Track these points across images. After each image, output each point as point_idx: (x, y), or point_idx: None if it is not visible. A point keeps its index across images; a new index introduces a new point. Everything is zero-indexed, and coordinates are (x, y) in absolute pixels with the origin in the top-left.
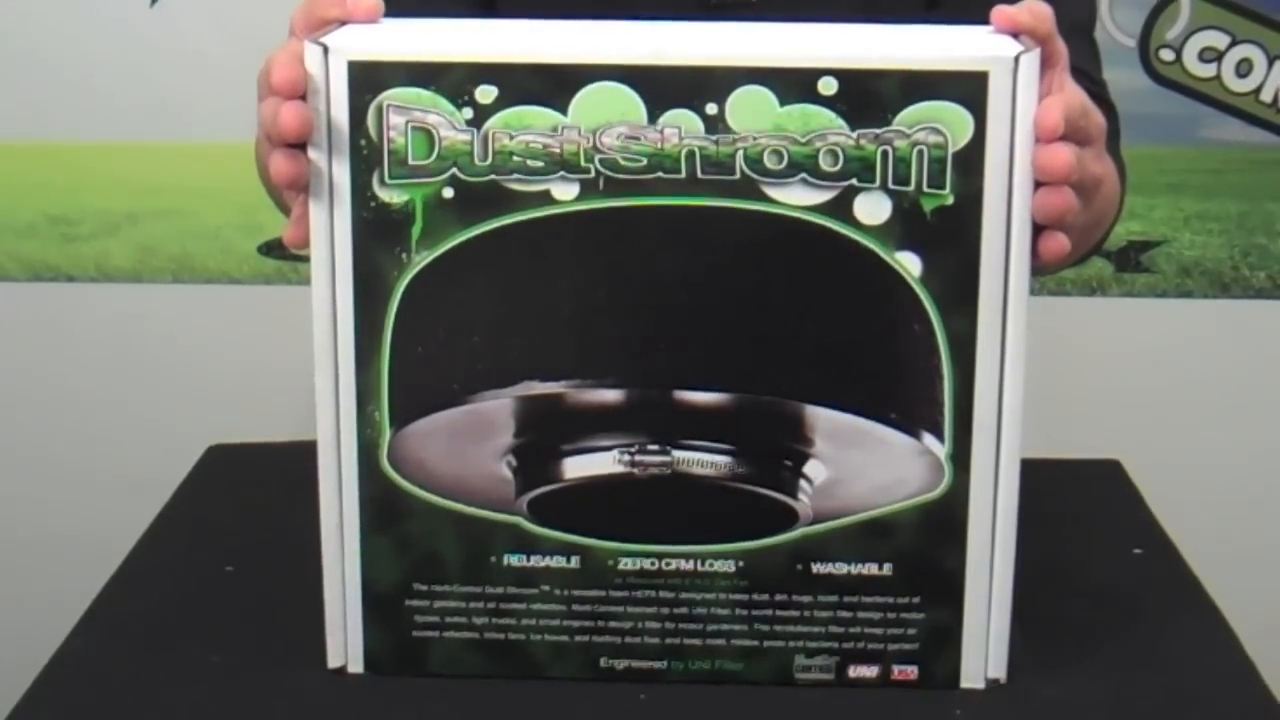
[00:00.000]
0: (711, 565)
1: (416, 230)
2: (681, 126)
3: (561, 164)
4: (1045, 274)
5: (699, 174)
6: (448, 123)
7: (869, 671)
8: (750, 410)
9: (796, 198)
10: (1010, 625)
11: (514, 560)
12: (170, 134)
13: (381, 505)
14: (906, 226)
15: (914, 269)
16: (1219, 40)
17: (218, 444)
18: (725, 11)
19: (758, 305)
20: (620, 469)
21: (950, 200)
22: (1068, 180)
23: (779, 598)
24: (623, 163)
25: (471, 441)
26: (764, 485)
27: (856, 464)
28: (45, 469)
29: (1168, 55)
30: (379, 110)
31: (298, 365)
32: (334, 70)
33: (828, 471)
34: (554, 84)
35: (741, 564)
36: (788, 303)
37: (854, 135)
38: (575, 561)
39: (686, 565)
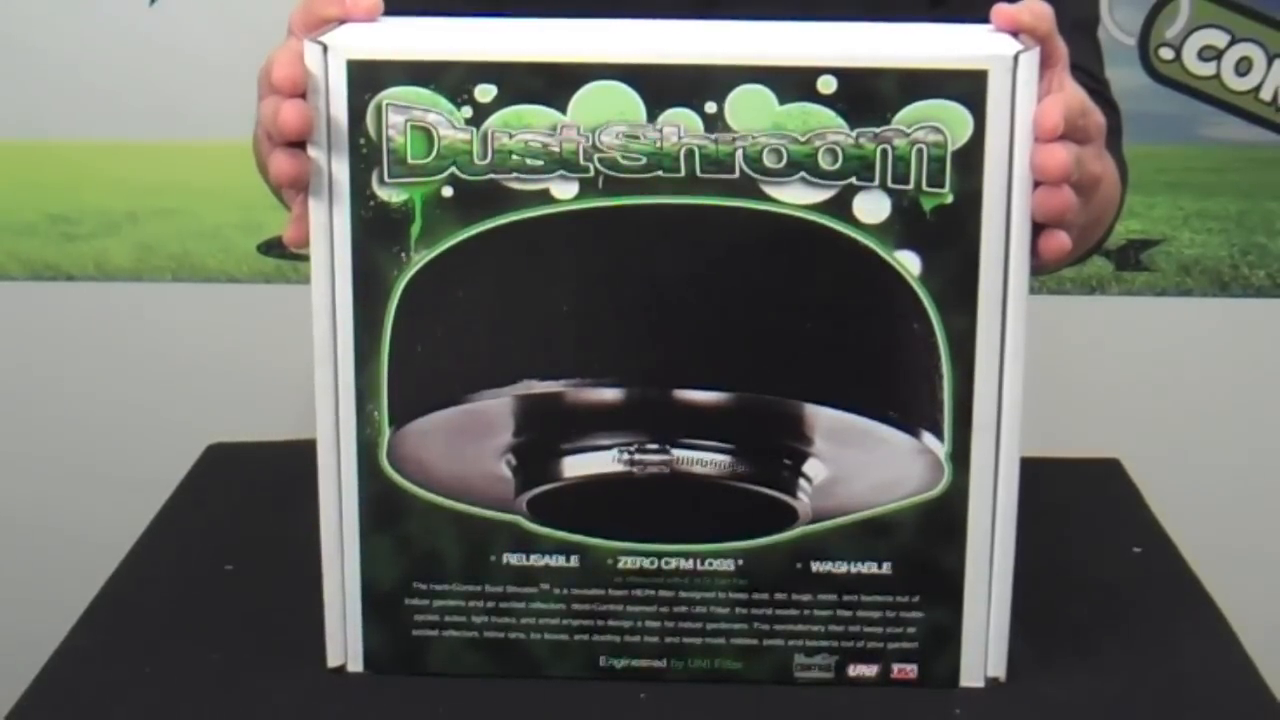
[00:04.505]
0: (711, 564)
1: (416, 229)
2: (681, 125)
3: (561, 163)
4: (1046, 273)
5: (698, 173)
6: (447, 122)
7: (868, 670)
8: (749, 409)
9: (796, 196)
10: (1010, 624)
11: (513, 559)
12: (170, 133)
13: (381, 504)
14: (906, 225)
15: (913, 268)
16: (1218, 39)
17: (217, 443)
18: (726, 10)
19: (757, 304)
20: (619, 468)
21: (950, 199)
22: (1066, 180)
23: (778, 596)
24: (622, 161)
25: (471, 440)
26: (763, 484)
27: (856, 463)
28: (45, 468)
29: (1167, 54)
30: (378, 109)
31: (297, 364)
32: (333, 69)
33: (827, 470)
34: (553, 83)
35: (741, 563)
36: (787, 301)
37: (853, 134)
38: (575, 560)
39: (686, 564)
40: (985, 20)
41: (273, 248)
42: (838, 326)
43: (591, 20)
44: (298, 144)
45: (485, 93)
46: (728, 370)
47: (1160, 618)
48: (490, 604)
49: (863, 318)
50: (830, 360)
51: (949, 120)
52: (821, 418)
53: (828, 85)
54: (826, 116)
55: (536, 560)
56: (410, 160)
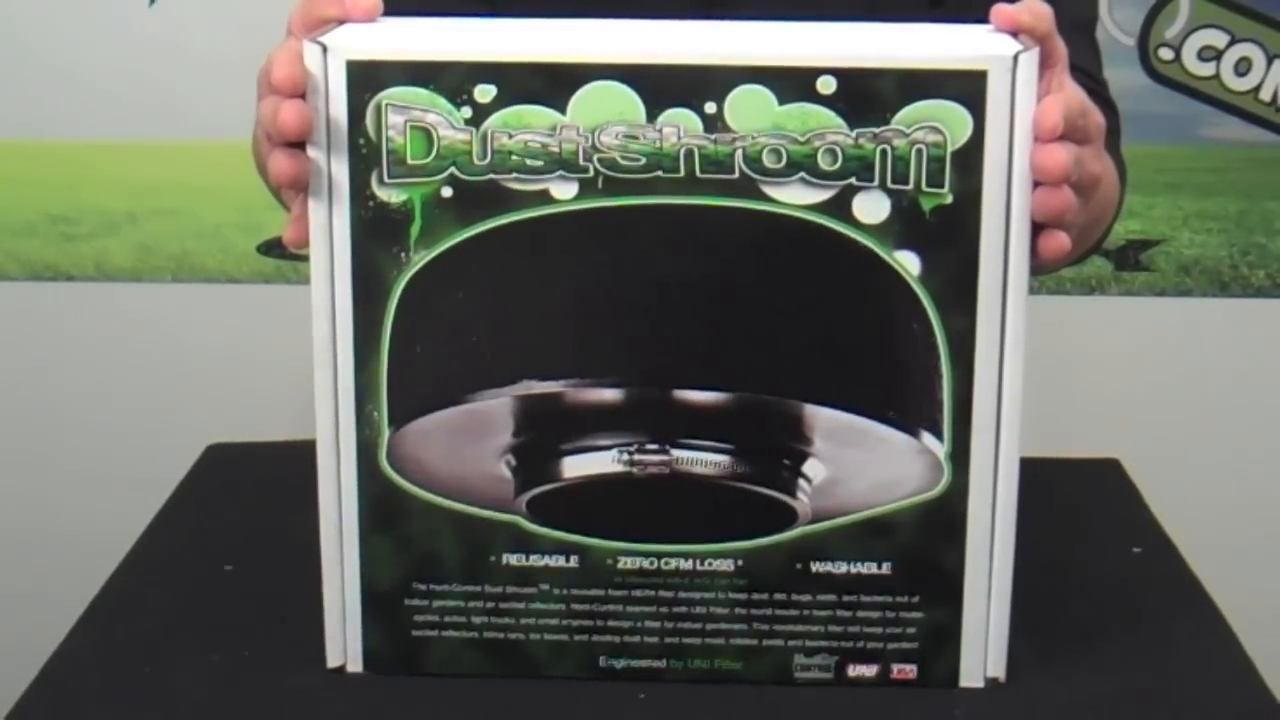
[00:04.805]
0: (711, 564)
1: (415, 229)
2: (680, 125)
3: (560, 163)
4: (1045, 273)
5: (698, 173)
6: (446, 122)
7: (868, 670)
8: (749, 409)
9: (795, 197)
10: (1009, 624)
11: (513, 559)
12: (170, 133)
13: (380, 505)
14: (905, 225)
15: (913, 268)
16: (1218, 39)
17: (217, 443)
18: (726, 10)
19: (756, 304)
20: (619, 468)
21: (949, 199)
22: (1065, 180)
23: (778, 597)
24: (621, 162)
25: (470, 441)
26: (763, 484)
27: (855, 463)
28: (45, 469)
29: (1167, 54)
30: (378, 109)
31: (297, 365)
32: (333, 70)
33: (827, 470)
34: (553, 83)
35: (740, 563)
36: (787, 302)
37: (853, 134)
38: (574, 561)
39: (686, 564)
40: (984, 20)
41: (272, 248)
42: (837, 326)
43: (591, 20)
44: (297, 144)
45: (485, 93)
46: (727, 370)
47: (1160, 618)
48: (490, 604)
49: (862, 318)
50: (830, 360)
51: (948, 120)
52: (821, 418)
53: (827, 85)
54: (826, 117)
55: (536, 560)
56: (410, 160)
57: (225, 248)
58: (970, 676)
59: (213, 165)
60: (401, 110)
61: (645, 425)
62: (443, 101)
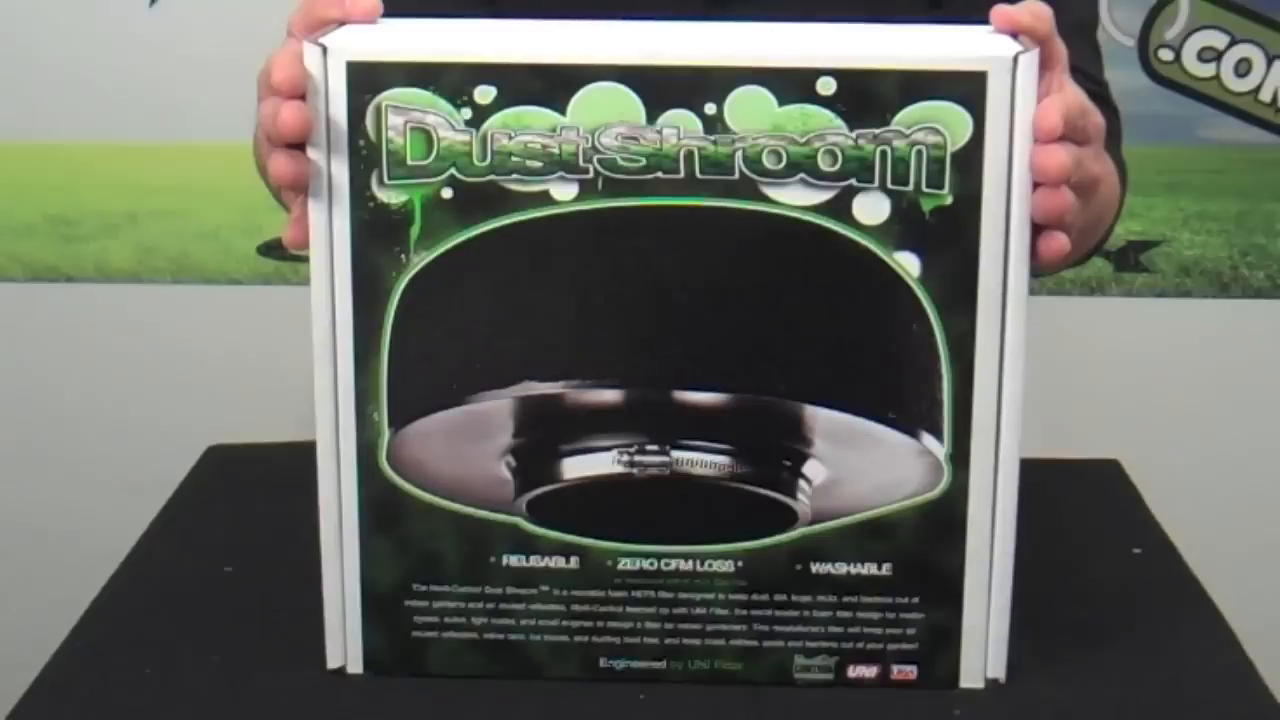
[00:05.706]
0: (711, 565)
1: (415, 230)
2: (680, 126)
3: (560, 164)
4: (1045, 274)
5: (698, 174)
6: (446, 123)
7: (868, 671)
8: (749, 410)
9: (795, 198)
10: (1009, 625)
11: (513, 560)
12: (170, 134)
13: (381, 506)
14: (905, 226)
15: (913, 269)
16: (1218, 40)
17: (217, 444)
18: (727, 10)
19: (756, 305)
20: (619, 469)
21: (949, 200)
22: (1064, 181)
23: (778, 598)
24: (621, 163)
25: (470, 442)
26: (763, 485)
27: (855, 464)
28: (45, 469)
29: (1167, 55)
30: (378, 111)
31: (297, 365)
32: (333, 71)
33: (827, 471)
34: (553, 84)
35: (741, 564)
36: (786, 303)
37: (853, 135)
38: (574, 562)
39: (686, 565)
40: (984, 21)
41: (272, 249)
42: (837, 327)
43: (591, 21)
44: (297, 145)
45: (485, 94)
46: (727, 371)
47: (1160, 618)
48: (490, 605)
49: (862, 319)
50: (830, 361)
51: (948, 121)
52: (821, 419)
53: (827, 86)
54: (826, 118)
55: (536, 561)
56: (410, 161)
57: (225, 249)
58: (970, 677)
59: (213, 167)
60: (401, 111)
61: (645, 426)
62: (443, 103)
